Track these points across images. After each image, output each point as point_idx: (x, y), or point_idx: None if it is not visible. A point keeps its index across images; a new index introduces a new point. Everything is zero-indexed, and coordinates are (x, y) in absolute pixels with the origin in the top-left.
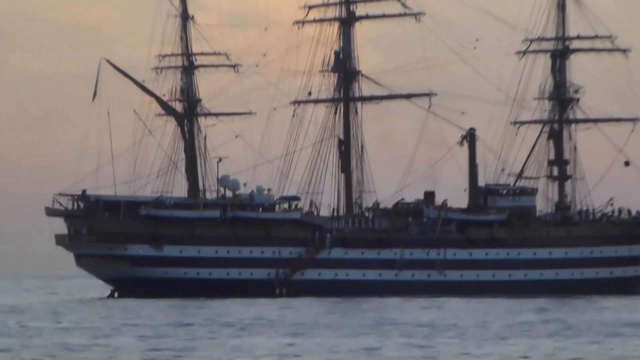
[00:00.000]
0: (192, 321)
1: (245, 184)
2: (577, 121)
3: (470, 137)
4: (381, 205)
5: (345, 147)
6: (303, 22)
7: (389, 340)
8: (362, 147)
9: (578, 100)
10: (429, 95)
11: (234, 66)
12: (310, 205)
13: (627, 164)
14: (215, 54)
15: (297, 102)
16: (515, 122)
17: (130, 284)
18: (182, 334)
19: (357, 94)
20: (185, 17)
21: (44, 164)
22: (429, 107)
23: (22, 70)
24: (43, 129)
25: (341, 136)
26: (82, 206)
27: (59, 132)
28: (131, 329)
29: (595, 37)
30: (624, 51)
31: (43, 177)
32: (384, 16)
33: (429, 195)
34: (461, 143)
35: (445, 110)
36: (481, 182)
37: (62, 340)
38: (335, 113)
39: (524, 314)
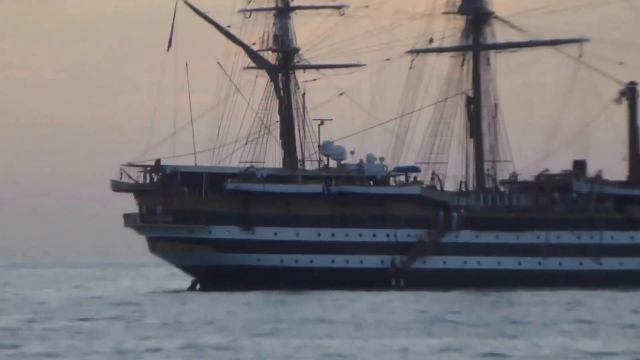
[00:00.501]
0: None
1: (352, 152)
2: None
3: (630, 93)
4: (520, 178)
5: (474, 107)
6: None
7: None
8: (495, 106)
9: None
10: (579, 41)
11: (338, 7)
12: (433, 178)
13: None
14: None
15: (415, 52)
16: None
17: (214, 274)
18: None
19: (489, 41)
20: None
21: (109, 129)
22: (580, 56)
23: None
24: (107, 86)
25: (470, 93)
26: (155, 179)
27: (127, 91)
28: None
29: None
30: None
31: (108, 144)
32: None
33: (579, 166)
34: (619, 100)
35: (599, 60)
36: None
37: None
38: (463, 64)
39: None
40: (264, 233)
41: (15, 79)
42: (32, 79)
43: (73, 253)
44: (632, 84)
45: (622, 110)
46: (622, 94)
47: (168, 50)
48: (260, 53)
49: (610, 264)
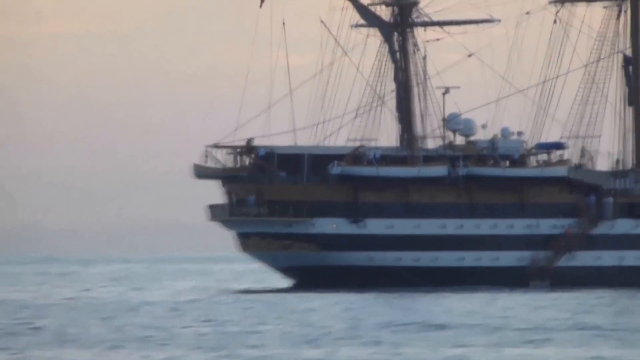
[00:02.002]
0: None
1: (484, 126)
2: None
3: None
4: None
5: (634, 68)
6: None
7: None
8: None
9: None
10: None
11: None
12: (582, 156)
13: None
14: None
15: (560, 2)
16: None
17: (318, 275)
18: None
19: None
20: None
21: (193, 102)
22: None
23: None
24: (193, 47)
25: (628, 52)
26: (247, 163)
27: (215, 51)
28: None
29: None
30: None
31: (190, 122)
32: None
33: None
34: None
35: None
36: None
37: None
38: (619, 16)
39: None
40: (377, 226)
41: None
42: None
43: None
44: None
45: None
46: None
47: (261, 5)
48: (372, 7)
49: None
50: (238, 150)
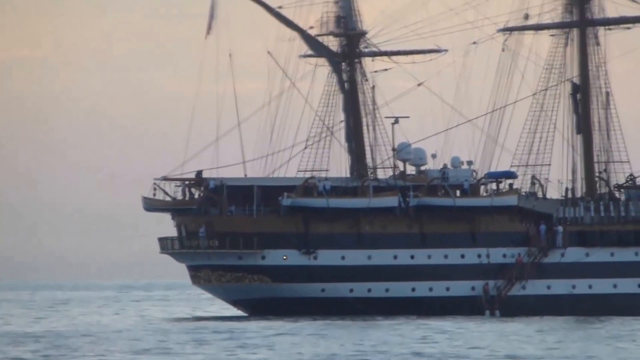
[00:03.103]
0: None
1: (434, 156)
2: None
3: None
4: (638, 182)
5: (582, 96)
6: None
7: None
8: (607, 94)
9: None
10: None
11: None
12: (533, 185)
13: None
14: None
15: (508, 31)
16: None
17: (269, 308)
18: None
19: (598, 16)
20: None
21: (140, 134)
22: None
23: None
24: (135, 75)
25: (576, 80)
26: (197, 195)
27: (162, 84)
28: None
29: None
30: None
31: (140, 154)
32: None
33: None
34: None
35: None
36: None
37: None
38: (566, 45)
39: None
40: (328, 257)
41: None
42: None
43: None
44: None
45: None
46: None
47: (207, 36)
48: (320, 38)
49: None
50: (187, 182)
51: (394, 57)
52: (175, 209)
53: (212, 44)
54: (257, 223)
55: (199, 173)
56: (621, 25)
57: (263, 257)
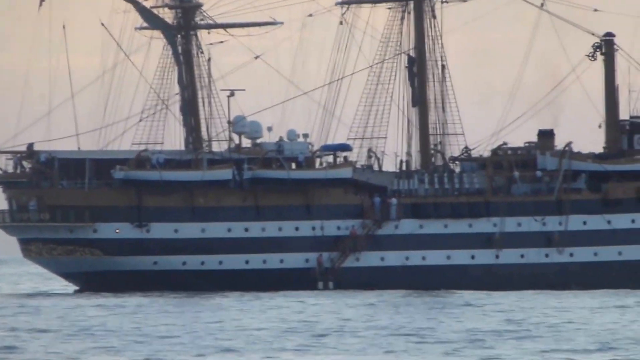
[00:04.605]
0: None
1: (270, 129)
2: None
3: (606, 47)
4: (473, 154)
5: (418, 69)
6: None
7: None
8: (443, 67)
9: None
10: None
11: None
12: (368, 157)
13: None
14: None
15: (345, 4)
16: None
17: (101, 282)
18: None
19: None
20: None
21: None
22: (542, 3)
23: None
24: None
25: (412, 52)
26: (28, 168)
27: None
28: None
29: None
30: None
31: None
32: None
33: (545, 137)
34: (592, 56)
35: (566, 8)
36: (623, 114)
37: None
38: (403, 18)
39: None
40: (161, 230)
41: None
42: None
43: None
44: (609, 35)
45: (597, 68)
46: (597, 48)
47: (40, 7)
48: (155, 10)
49: (582, 255)
50: (18, 155)
51: (230, 30)
52: (5, 181)
53: (45, 16)
54: (88, 196)
55: (30, 146)
56: None
57: (95, 230)
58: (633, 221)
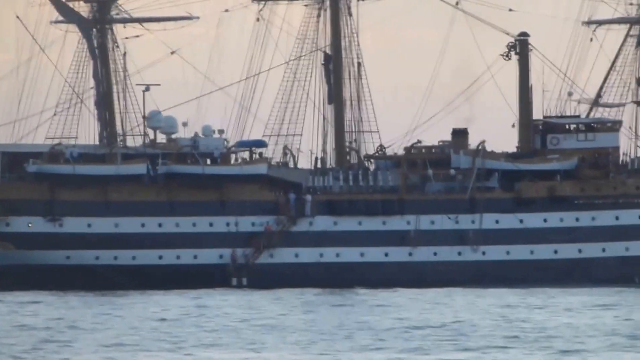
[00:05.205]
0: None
1: (185, 124)
2: None
3: (520, 47)
4: (388, 152)
5: (334, 66)
6: None
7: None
8: (359, 65)
9: None
10: None
11: None
12: (285, 154)
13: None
14: None
15: (261, 1)
16: (588, 22)
17: (14, 276)
18: None
19: None
20: None
21: None
22: (457, 2)
23: None
24: None
25: (328, 49)
26: None
27: None
28: None
29: None
30: None
31: None
32: None
33: (459, 135)
34: (507, 56)
35: (481, 7)
36: (537, 114)
37: None
38: (319, 15)
39: (605, 315)
40: (74, 225)
41: None
42: None
43: None
44: (523, 35)
45: (511, 68)
46: (511, 48)
47: None
48: (70, 4)
49: (495, 253)
50: None
51: (146, 24)
52: None
53: None
54: (1, 189)
55: None
56: None
57: (7, 224)
58: (545, 220)
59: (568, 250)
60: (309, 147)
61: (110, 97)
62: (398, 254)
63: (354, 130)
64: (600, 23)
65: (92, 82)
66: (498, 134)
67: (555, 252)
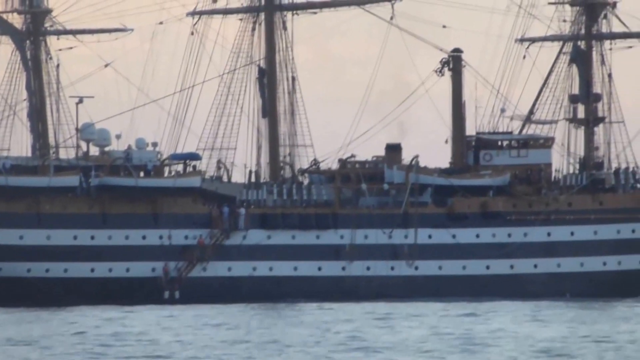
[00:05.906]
0: None
1: (118, 136)
2: (613, 37)
3: (454, 63)
4: (322, 166)
5: (268, 80)
6: None
7: None
8: (293, 79)
9: (615, 4)
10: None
11: None
12: (219, 168)
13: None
14: None
15: (196, 14)
16: (522, 40)
17: None
18: None
19: (285, 1)
20: None
21: None
22: (391, 17)
23: None
24: None
25: (262, 63)
26: None
27: None
28: None
29: None
30: None
31: None
32: None
33: (393, 150)
34: (440, 72)
35: (416, 23)
36: (470, 130)
37: None
38: (254, 29)
39: (540, 329)
40: (6, 237)
41: None
42: None
43: None
44: (457, 51)
45: (445, 83)
46: (444, 63)
47: None
48: (3, 15)
49: (428, 268)
50: None
51: (80, 36)
52: None
53: None
54: None
55: None
56: (308, 10)
57: None
58: (477, 236)
59: (500, 266)
60: (243, 160)
61: (43, 109)
62: (331, 268)
63: (288, 144)
64: (533, 40)
65: (25, 94)
66: (431, 149)
67: (488, 267)
